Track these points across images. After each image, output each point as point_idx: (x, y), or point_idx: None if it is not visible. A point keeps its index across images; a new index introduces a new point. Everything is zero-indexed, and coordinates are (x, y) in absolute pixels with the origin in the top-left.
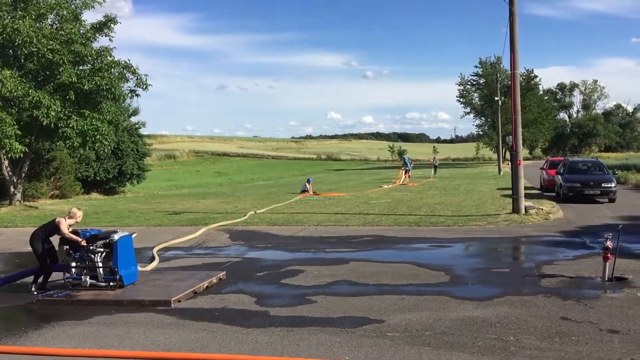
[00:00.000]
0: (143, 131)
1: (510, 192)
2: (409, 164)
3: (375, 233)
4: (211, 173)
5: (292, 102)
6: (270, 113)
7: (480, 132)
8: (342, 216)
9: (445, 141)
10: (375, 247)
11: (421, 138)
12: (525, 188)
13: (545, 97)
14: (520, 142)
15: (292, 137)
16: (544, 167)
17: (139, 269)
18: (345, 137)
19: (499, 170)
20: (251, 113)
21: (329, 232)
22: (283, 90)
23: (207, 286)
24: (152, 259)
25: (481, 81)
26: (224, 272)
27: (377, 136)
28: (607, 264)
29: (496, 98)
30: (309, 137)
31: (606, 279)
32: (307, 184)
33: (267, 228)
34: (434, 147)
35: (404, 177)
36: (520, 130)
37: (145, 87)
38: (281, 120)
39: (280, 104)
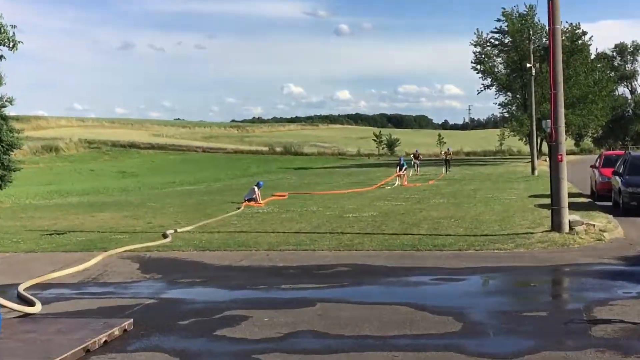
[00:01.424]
0: (9, 111)
1: (547, 200)
2: (405, 164)
3: (354, 261)
4: (112, 173)
5: (232, 70)
6: (200, 85)
7: (506, 114)
8: (306, 237)
9: (455, 127)
10: (354, 282)
11: (421, 122)
12: (570, 195)
13: (599, 65)
14: (563, 128)
15: (233, 121)
16: (597, 164)
17: (1, 316)
18: (310, 120)
19: (532, 169)
20: (171, 85)
21: (286, 259)
22: (218, 51)
23: (105, 341)
24: (23, 301)
25: (506, 41)
26: (131, 321)
27: (357, 119)
28: None
29: (528, 65)
30: (258, 121)
31: None
32: (255, 190)
33: (196, 255)
34: (439, 135)
35: (400, 176)
36: (562, 111)
37: (13, 46)
38: (216, 97)
39: (214, 72)
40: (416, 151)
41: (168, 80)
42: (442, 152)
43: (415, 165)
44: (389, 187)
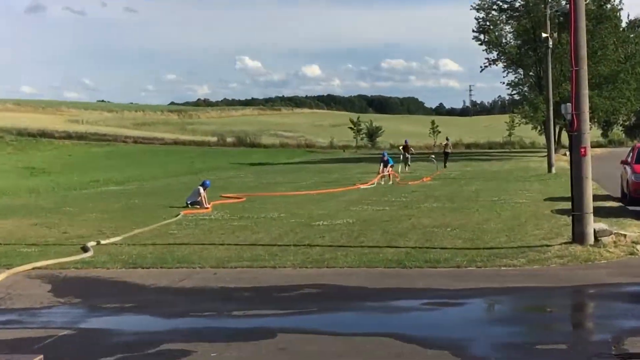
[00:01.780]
0: None
1: (567, 204)
2: (391, 160)
3: (324, 281)
4: (17, 169)
5: (171, 40)
6: (131, 59)
7: (516, 97)
8: (265, 250)
9: (452, 112)
10: (324, 308)
11: (409, 106)
12: (596, 197)
13: (632, 35)
14: (587, 115)
15: (172, 104)
16: (629, 159)
17: None
18: (270, 103)
19: (549, 165)
20: (94, 59)
21: (239, 279)
22: (154, 16)
23: None
24: None
25: (517, 4)
26: (41, 357)
27: (330, 102)
28: None
29: (544, 35)
30: (204, 104)
31: None
32: (199, 192)
33: (125, 273)
34: (433, 122)
35: (385, 176)
36: (586, 93)
37: None
38: (151, 73)
39: (149, 42)
40: (405, 142)
41: (89, 52)
42: (442, 144)
43: (406, 159)
44: (365, 187)
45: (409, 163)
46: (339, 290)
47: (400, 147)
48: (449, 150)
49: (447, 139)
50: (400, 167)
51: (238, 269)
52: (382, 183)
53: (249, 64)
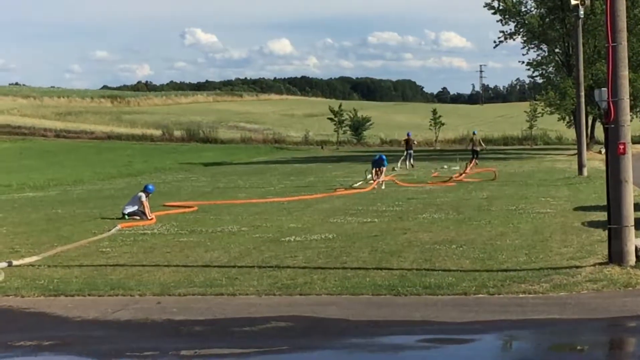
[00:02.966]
0: None
1: (602, 215)
2: (385, 160)
3: (297, 312)
4: None
5: (102, 9)
6: (53, 32)
7: (539, 80)
8: (222, 273)
9: (459, 99)
10: (297, 346)
11: (404, 92)
12: (638, 207)
13: None
14: (627, 102)
15: (105, 88)
16: None
17: None
18: (229, 88)
19: (580, 165)
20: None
21: (189, 309)
22: None
23: None
24: None
25: None
26: None
27: (304, 87)
28: None
29: (573, 2)
30: (145, 88)
31: None
32: (141, 199)
33: (44, 302)
34: (435, 111)
35: (380, 182)
36: (626, 75)
37: None
38: (78, 50)
39: (74, 11)
40: (408, 135)
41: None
42: (469, 143)
43: (409, 155)
44: (361, 190)
45: (410, 161)
46: (315, 324)
47: (402, 142)
48: (478, 148)
49: (473, 133)
50: (398, 163)
51: (188, 297)
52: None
53: (201, 38)
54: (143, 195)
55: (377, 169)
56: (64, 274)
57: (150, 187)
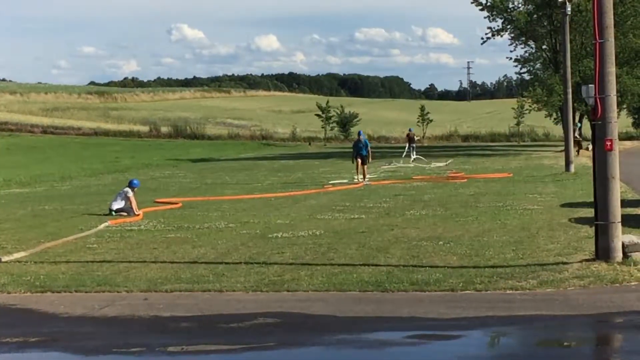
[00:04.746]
0: None
1: (589, 211)
2: (367, 142)
3: (284, 308)
4: None
5: (86, 3)
6: (39, 26)
7: (526, 76)
8: (209, 269)
9: (446, 96)
10: (284, 342)
11: (392, 88)
12: (626, 203)
13: None
14: (614, 99)
15: (92, 84)
16: None
17: None
18: (216, 84)
19: (567, 162)
20: None
21: (176, 305)
22: None
23: None
24: None
25: None
26: None
27: (292, 83)
28: None
29: None
30: (132, 84)
31: None
32: (127, 195)
33: (31, 298)
34: (422, 108)
35: (361, 170)
36: (613, 72)
37: None
38: (65, 45)
39: (61, 5)
40: (410, 131)
41: None
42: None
43: (412, 149)
44: (357, 187)
45: (413, 154)
46: (302, 320)
47: (405, 137)
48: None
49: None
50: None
51: (175, 293)
52: (357, 178)
53: (188, 34)
54: (129, 190)
55: (359, 159)
56: (50, 270)
57: (135, 182)
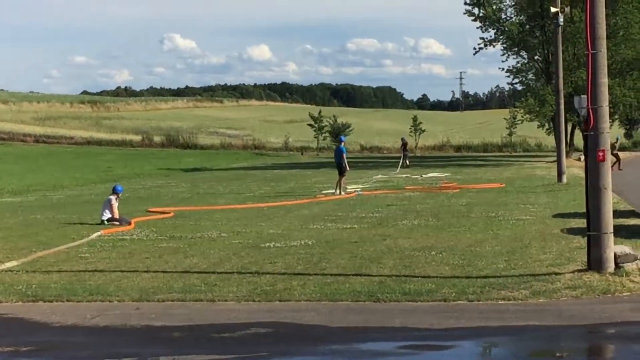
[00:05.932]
0: None
1: (582, 222)
2: (344, 150)
3: (276, 318)
4: None
5: (82, 12)
6: (31, 35)
7: (518, 87)
8: (201, 279)
9: (439, 106)
10: (276, 352)
11: (385, 98)
12: (618, 213)
13: None
14: (607, 109)
15: (84, 93)
16: None
17: None
18: (209, 93)
19: (560, 172)
20: None
21: (167, 315)
22: None
23: None
24: None
25: None
26: None
27: (284, 93)
28: None
29: (553, 10)
30: (125, 93)
31: None
32: (111, 202)
33: (22, 308)
34: (415, 118)
35: (340, 179)
36: (605, 82)
37: None
38: (57, 54)
39: (54, 15)
40: (403, 139)
41: None
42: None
43: (405, 156)
44: (328, 193)
45: (407, 162)
46: (295, 330)
47: (401, 147)
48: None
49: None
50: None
51: (166, 303)
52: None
53: (180, 43)
54: (113, 198)
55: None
56: (42, 280)
57: (118, 187)
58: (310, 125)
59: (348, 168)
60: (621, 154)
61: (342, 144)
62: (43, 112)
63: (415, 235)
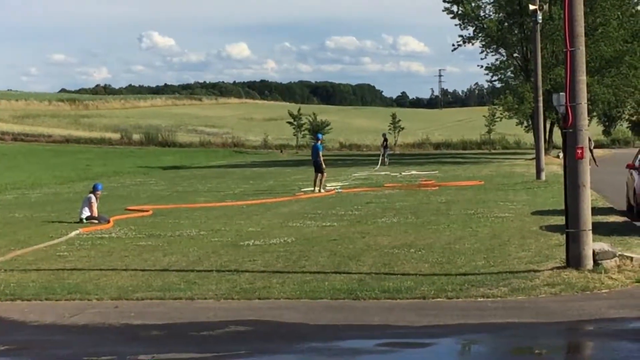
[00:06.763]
0: None
1: (560, 219)
2: (320, 147)
3: (255, 316)
4: None
5: (61, 10)
6: (8, 33)
7: (497, 84)
8: (180, 277)
9: (418, 104)
10: (255, 350)
11: (363, 96)
12: (596, 210)
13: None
14: (585, 107)
15: (63, 91)
16: (636, 163)
17: None
18: (188, 91)
19: (538, 170)
20: None
21: (146, 314)
22: None
23: None
24: None
25: None
26: None
27: (263, 90)
28: None
29: (532, 7)
30: (104, 91)
31: None
32: (91, 200)
33: (0, 307)
34: (394, 116)
35: (319, 177)
36: (584, 80)
37: None
38: (35, 52)
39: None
40: (384, 136)
41: None
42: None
43: (385, 155)
44: (307, 191)
45: (386, 160)
46: (274, 328)
47: (382, 144)
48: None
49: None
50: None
51: (145, 301)
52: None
53: (158, 41)
54: (92, 196)
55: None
56: (20, 278)
57: (98, 185)
58: (289, 123)
59: (324, 166)
60: (600, 151)
61: (319, 141)
62: (21, 110)
63: (395, 233)
